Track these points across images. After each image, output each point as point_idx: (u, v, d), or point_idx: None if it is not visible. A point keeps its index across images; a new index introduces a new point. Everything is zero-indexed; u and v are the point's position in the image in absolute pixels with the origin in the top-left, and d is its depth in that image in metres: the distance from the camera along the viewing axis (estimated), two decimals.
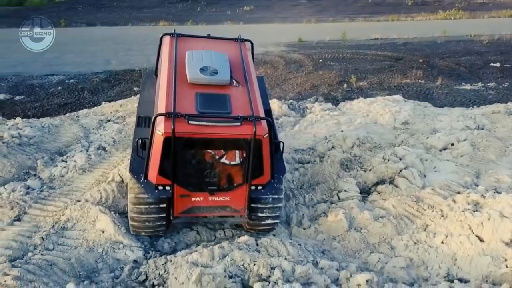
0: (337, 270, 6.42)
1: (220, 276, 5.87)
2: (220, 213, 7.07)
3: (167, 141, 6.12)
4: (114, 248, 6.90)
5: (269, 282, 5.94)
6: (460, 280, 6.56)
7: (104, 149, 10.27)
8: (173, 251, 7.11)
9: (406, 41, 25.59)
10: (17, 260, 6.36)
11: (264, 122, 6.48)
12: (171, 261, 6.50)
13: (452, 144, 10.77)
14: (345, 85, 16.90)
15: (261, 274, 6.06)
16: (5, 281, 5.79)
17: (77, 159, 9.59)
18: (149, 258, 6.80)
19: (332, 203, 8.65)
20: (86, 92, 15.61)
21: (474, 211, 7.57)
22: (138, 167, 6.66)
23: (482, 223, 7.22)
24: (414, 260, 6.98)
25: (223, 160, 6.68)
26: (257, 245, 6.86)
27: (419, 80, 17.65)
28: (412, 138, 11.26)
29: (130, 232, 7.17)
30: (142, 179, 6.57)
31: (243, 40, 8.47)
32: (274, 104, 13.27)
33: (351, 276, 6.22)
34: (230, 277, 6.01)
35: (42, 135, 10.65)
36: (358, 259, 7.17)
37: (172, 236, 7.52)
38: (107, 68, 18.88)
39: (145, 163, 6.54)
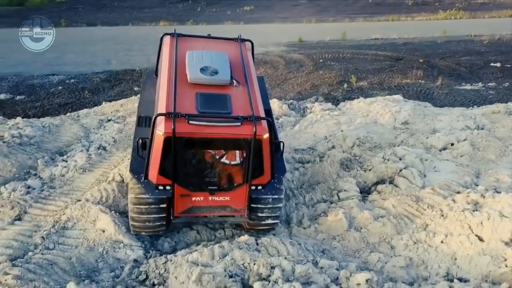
0: (337, 269, 6.44)
1: (220, 275, 5.88)
2: (220, 213, 7.08)
3: (167, 141, 6.14)
4: (114, 247, 6.92)
5: (269, 282, 5.96)
6: (460, 279, 6.57)
7: (104, 148, 10.29)
8: (173, 251, 7.12)
9: (407, 41, 25.59)
10: (18, 259, 6.38)
11: (264, 122, 6.49)
12: (171, 260, 6.52)
13: (452, 144, 10.78)
14: (345, 85, 16.92)
15: (261, 274, 6.08)
16: (5, 280, 5.81)
17: (77, 159, 9.61)
18: (150, 258, 6.81)
19: (332, 202, 8.66)
20: (86, 92, 15.64)
21: (473, 211, 7.58)
22: (139, 167, 6.68)
23: (481, 223, 7.24)
24: (414, 259, 7.00)
25: (223, 160, 6.70)
26: (257, 244, 6.87)
27: (419, 80, 17.66)
28: (412, 138, 11.27)
29: (131, 232, 7.18)
30: (143, 179, 6.58)
31: (243, 40, 8.48)
32: (274, 104, 13.30)
33: (351, 275, 6.24)
34: (230, 276, 6.02)
35: (42, 135, 10.67)
36: (358, 259, 7.18)
37: (172, 235, 7.53)
38: (107, 68, 18.90)
39: (146, 163, 6.55)
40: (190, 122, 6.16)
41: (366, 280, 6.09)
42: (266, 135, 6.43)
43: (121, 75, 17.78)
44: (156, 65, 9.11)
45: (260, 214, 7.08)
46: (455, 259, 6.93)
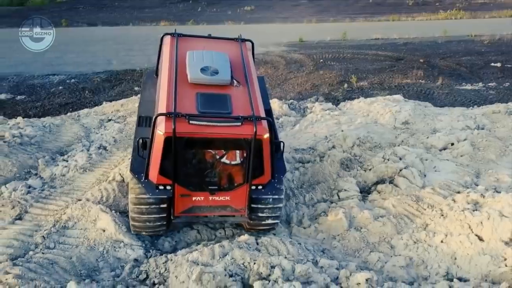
0: (337, 269, 6.45)
1: (220, 274, 5.89)
2: (221, 212, 7.09)
3: (167, 141, 6.15)
4: (115, 247, 6.93)
5: (269, 281, 5.97)
6: (460, 279, 6.58)
7: (105, 148, 10.31)
8: (174, 250, 7.14)
9: (407, 41, 25.58)
10: (18, 259, 6.39)
11: (264, 122, 6.50)
12: (171, 260, 6.53)
13: (452, 144, 10.79)
14: (345, 85, 16.92)
15: (261, 273, 6.09)
16: (6, 279, 5.83)
17: (78, 159, 9.63)
18: (150, 257, 6.83)
19: (332, 202, 8.67)
20: (87, 91, 15.66)
21: (473, 211, 7.59)
22: (139, 167, 6.69)
23: (481, 223, 7.25)
24: (414, 259, 7.01)
25: (224, 160, 6.71)
26: (257, 244, 6.88)
27: (420, 80, 17.67)
28: (412, 137, 11.28)
29: (131, 231, 7.19)
30: (143, 178, 6.59)
31: (243, 40, 8.49)
32: (275, 103, 13.31)
33: (350, 275, 6.25)
34: (230, 275, 6.03)
35: (43, 135, 10.69)
36: (358, 258, 7.19)
37: (173, 235, 7.55)
38: (108, 68, 18.91)
39: (146, 162, 6.56)
40: (191, 122, 6.17)
41: (366, 280, 6.10)
42: (267, 135, 6.44)
43: (122, 75, 17.79)
44: (156, 65, 9.12)
45: (260, 214, 7.09)
46: (455, 258, 6.94)
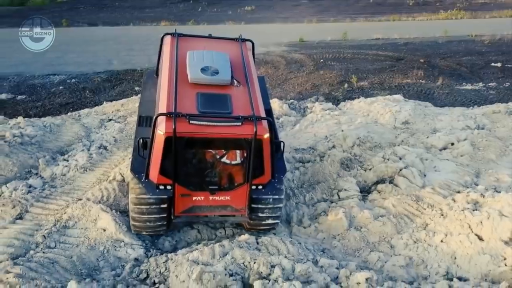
0: (337, 268, 6.45)
1: (220, 274, 5.90)
2: (221, 212, 7.10)
3: (168, 141, 6.16)
4: (115, 246, 6.95)
5: (269, 280, 5.97)
6: (460, 278, 6.59)
7: (105, 148, 10.33)
8: (174, 250, 7.16)
9: (407, 41, 25.58)
10: (19, 258, 6.41)
11: (264, 122, 6.51)
12: (172, 259, 6.55)
13: (452, 144, 10.79)
14: (346, 85, 16.93)
15: (261, 272, 6.10)
16: (7, 278, 5.84)
17: (78, 158, 9.65)
18: (150, 256, 6.85)
19: (332, 202, 8.68)
20: (87, 91, 15.67)
21: (473, 210, 7.60)
22: (140, 167, 6.70)
23: (481, 222, 7.26)
24: (414, 258, 7.01)
25: (224, 159, 6.72)
26: (257, 243, 6.89)
27: (420, 80, 17.67)
28: (412, 137, 11.28)
29: (131, 231, 7.21)
30: (143, 178, 6.60)
31: (244, 40, 8.51)
32: (275, 103, 13.31)
33: (350, 274, 6.25)
34: (231, 275, 6.04)
35: (43, 134, 10.70)
36: (358, 258, 7.20)
37: (173, 234, 7.56)
38: (108, 68, 18.93)
39: (146, 162, 6.57)
40: (191, 122, 6.18)
41: (366, 279, 6.11)
42: (267, 135, 6.45)
43: (122, 75, 17.81)
44: (157, 65, 9.13)
45: (260, 214, 7.10)
46: (455, 258, 6.95)
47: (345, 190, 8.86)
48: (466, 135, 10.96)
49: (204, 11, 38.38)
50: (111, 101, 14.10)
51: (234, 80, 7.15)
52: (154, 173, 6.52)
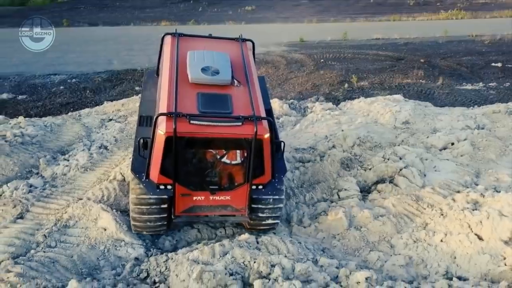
0: (337, 268, 6.46)
1: (220, 273, 5.91)
2: (221, 212, 7.11)
3: (168, 141, 6.17)
4: (115, 245, 6.97)
5: (269, 280, 5.98)
6: (459, 278, 6.60)
7: (106, 148, 10.35)
8: (174, 249, 7.17)
9: (408, 41, 25.60)
10: (20, 257, 6.43)
11: (265, 122, 6.51)
12: (172, 258, 6.57)
13: (452, 144, 10.80)
14: (346, 85, 16.95)
15: (261, 272, 6.11)
16: (8, 277, 5.87)
17: (79, 158, 9.66)
18: (150, 256, 6.86)
19: (332, 201, 8.70)
20: (88, 91, 15.70)
21: (473, 210, 7.61)
22: (140, 166, 6.71)
23: (481, 222, 7.26)
24: (414, 258, 7.02)
25: (224, 159, 6.73)
26: (257, 243, 6.90)
27: (420, 80, 17.68)
28: (412, 137, 11.30)
29: (132, 230, 7.22)
30: (144, 178, 6.61)
31: (244, 40, 8.51)
32: (275, 103, 13.33)
33: (350, 273, 6.26)
34: (231, 274, 6.05)
35: (44, 134, 10.73)
36: (357, 257, 7.21)
37: (173, 234, 7.58)
38: (109, 67, 18.97)
39: (147, 162, 6.58)
40: (191, 122, 6.19)
41: (366, 278, 6.11)
42: (267, 135, 6.46)
43: (123, 75, 17.84)
44: (157, 65, 9.14)
45: (260, 214, 7.11)
46: (455, 257, 6.96)
47: (345, 189, 8.87)
48: (466, 135, 10.97)
49: (205, 11, 38.42)
50: (111, 101, 14.13)
51: (235, 80, 7.16)
52: (154, 173, 6.53)
